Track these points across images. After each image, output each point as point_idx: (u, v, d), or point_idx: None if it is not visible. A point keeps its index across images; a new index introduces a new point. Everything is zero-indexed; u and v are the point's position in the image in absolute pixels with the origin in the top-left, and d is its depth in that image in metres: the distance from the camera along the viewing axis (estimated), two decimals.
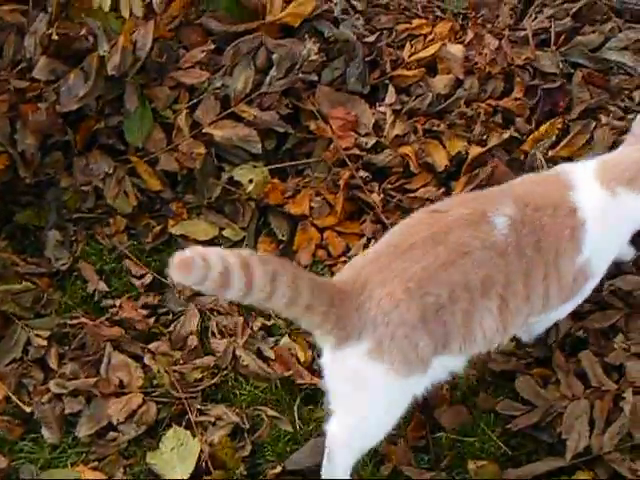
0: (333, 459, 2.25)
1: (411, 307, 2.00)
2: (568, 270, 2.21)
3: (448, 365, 2.24)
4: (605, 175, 2.35)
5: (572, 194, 2.30)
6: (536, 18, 3.30)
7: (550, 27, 3.24)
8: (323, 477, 2.29)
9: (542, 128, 3.01)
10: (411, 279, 2.01)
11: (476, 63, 3.14)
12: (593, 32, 3.27)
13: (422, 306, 2.00)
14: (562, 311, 2.44)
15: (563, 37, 3.23)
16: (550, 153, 2.93)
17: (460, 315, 2.05)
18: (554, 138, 2.97)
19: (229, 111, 2.96)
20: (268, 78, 2.97)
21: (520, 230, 2.19)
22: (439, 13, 3.36)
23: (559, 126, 3.00)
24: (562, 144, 2.95)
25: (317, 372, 2.60)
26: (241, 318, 2.69)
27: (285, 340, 2.69)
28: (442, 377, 2.28)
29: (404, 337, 2.04)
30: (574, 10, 3.32)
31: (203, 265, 1.90)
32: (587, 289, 2.40)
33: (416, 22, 3.29)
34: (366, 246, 2.81)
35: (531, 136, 2.99)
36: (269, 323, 2.71)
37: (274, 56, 2.98)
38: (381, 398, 2.14)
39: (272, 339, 2.70)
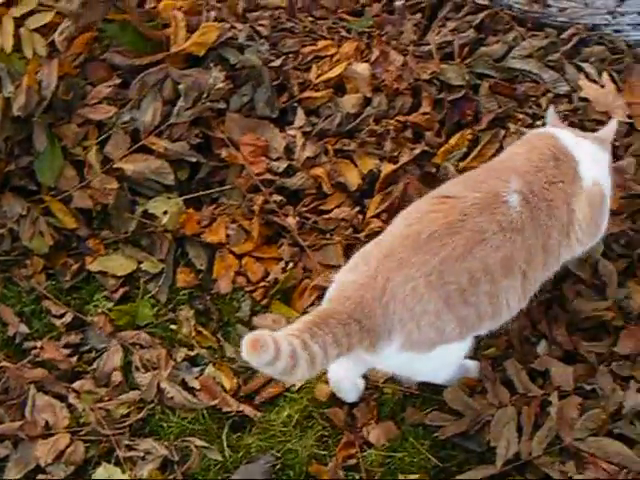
0: None
1: (432, 296, 2.08)
2: (584, 213, 2.32)
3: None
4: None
5: (561, 148, 2.44)
6: (440, 32, 3.36)
7: (454, 40, 3.32)
8: None
9: (452, 140, 3.08)
10: (432, 272, 2.08)
11: (383, 80, 3.19)
12: (497, 42, 3.35)
13: (444, 293, 2.09)
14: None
15: (467, 49, 3.30)
16: (461, 164, 3.00)
17: (484, 297, 2.14)
18: (465, 149, 3.05)
19: (139, 144, 2.98)
20: (176, 109, 2.98)
21: (532, 202, 2.27)
22: (344, 33, 3.40)
23: (469, 137, 3.07)
24: (473, 154, 3.02)
25: (243, 399, 2.63)
26: (164, 350, 2.70)
27: (210, 369, 2.71)
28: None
29: (430, 325, 2.14)
30: (476, 22, 3.40)
31: (274, 347, 1.99)
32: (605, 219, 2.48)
33: (322, 43, 3.33)
34: (284, 270, 2.83)
35: (442, 149, 3.06)
36: (192, 353, 2.73)
37: (180, 86, 3.00)
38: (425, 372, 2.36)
39: (196, 369, 2.73)
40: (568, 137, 2.48)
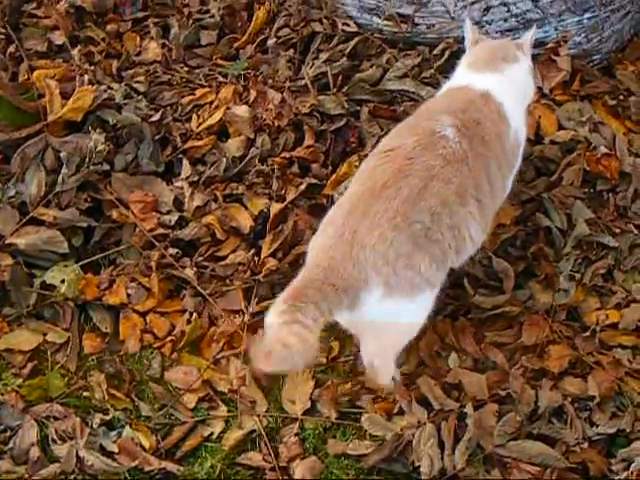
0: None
1: (402, 239, 2.23)
2: (509, 146, 2.55)
3: None
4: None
5: (479, 87, 2.64)
6: (313, 65, 3.46)
7: (328, 70, 3.44)
8: None
9: (340, 170, 3.19)
10: (395, 215, 2.24)
11: (264, 120, 3.29)
12: (371, 67, 3.48)
13: (411, 234, 2.24)
14: None
15: (342, 77, 3.42)
16: None
17: (448, 231, 2.30)
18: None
19: (28, 217, 3.03)
20: (60, 177, 3.03)
21: (466, 134, 2.47)
22: (221, 79, 3.49)
23: (356, 164, 3.16)
24: None
25: (164, 455, 2.70)
26: (78, 419, 2.73)
27: (127, 430, 2.76)
28: None
29: (405, 267, 2.25)
30: (348, 49, 3.52)
31: (283, 349, 2.13)
32: (519, 156, 2.68)
33: (200, 92, 3.43)
34: (189, 321, 2.90)
35: (331, 179, 3.17)
36: (108, 417, 2.77)
37: (62, 154, 3.05)
38: (407, 324, 2.44)
39: (114, 432, 2.77)
40: (484, 83, 2.63)
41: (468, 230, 2.38)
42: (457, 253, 2.37)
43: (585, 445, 2.60)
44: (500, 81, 2.68)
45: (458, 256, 2.38)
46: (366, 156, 3.05)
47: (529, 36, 2.79)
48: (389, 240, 2.22)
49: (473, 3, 3.41)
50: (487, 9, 3.43)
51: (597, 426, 2.65)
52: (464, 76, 2.76)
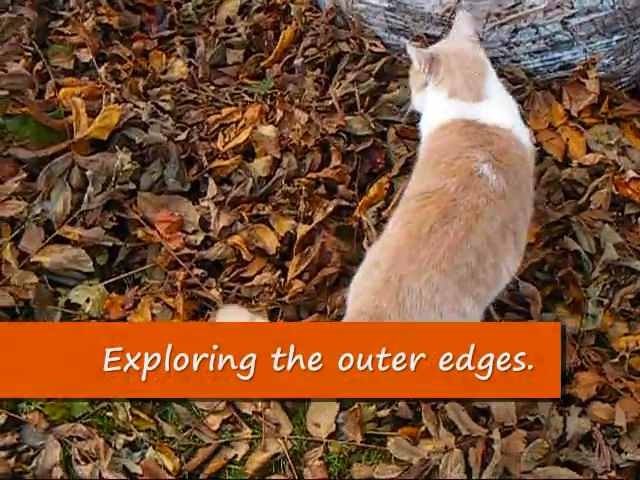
0: None
1: (449, 283, 2.29)
2: (530, 164, 2.60)
3: None
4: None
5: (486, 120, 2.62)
6: (340, 85, 3.48)
7: (355, 91, 3.46)
8: None
9: (371, 191, 3.20)
10: (442, 260, 2.29)
11: (290, 140, 3.30)
12: (398, 88, 3.49)
13: (457, 277, 2.30)
14: None
15: (369, 98, 3.44)
16: (384, 213, 3.10)
17: (491, 269, 2.35)
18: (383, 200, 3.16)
19: (54, 235, 3.05)
20: (86, 196, 3.05)
21: (500, 167, 2.50)
22: (247, 98, 3.51)
23: (386, 186, 3.20)
24: (393, 203, 3.10)
25: (187, 477, 2.73)
26: (101, 440, 2.74)
27: (150, 452, 2.76)
28: None
29: (451, 311, 2.31)
30: (376, 70, 3.54)
31: None
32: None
33: (226, 111, 3.44)
34: None
35: (362, 201, 3.19)
36: (131, 438, 2.78)
37: (88, 173, 3.07)
38: None
39: (137, 454, 2.78)
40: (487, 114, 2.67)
41: (506, 264, 2.43)
42: (496, 288, 2.43)
43: (613, 473, 2.60)
44: (494, 106, 2.69)
45: (497, 290, 2.45)
46: (395, 177, 3.19)
47: (463, 20, 2.80)
48: (436, 286, 2.28)
49: (502, 25, 3.39)
50: (515, 31, 3.44)
51: (625, 453, 2.65)
52: (454, 108, 2.72)
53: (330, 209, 3.12)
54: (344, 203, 3.19)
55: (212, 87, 3.62)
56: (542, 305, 2.92)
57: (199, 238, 3.11)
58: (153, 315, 2.99)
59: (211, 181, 3.24)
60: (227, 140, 3.34)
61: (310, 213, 3.14)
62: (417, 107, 2.90)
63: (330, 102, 3.44)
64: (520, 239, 2.46)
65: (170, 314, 3.00)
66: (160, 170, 3.25)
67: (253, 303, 2.98)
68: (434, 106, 2.78)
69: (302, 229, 3.07)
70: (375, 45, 3.61)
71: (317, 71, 3.57)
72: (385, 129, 3.39)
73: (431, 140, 2.72)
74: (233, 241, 3.10)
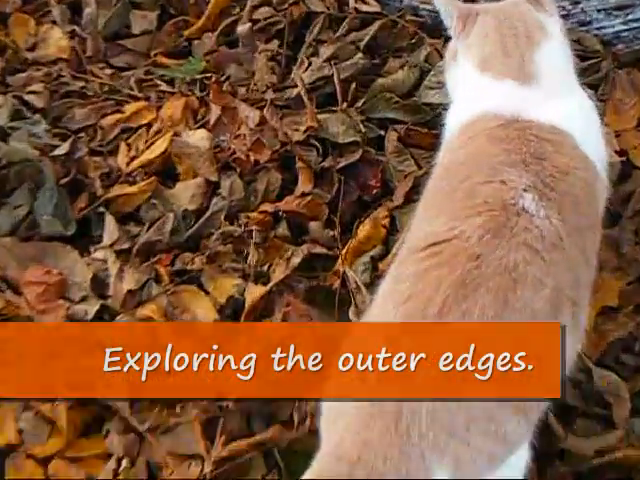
0: None
1: None
2: (600, 194, 2.49)
3: None
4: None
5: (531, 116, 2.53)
6: (310, 64, 3.51)
7: (333, 74, 3.47)
8: None
9: (360, 232, 3.19)
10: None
11: (233, 152, 3.33)
12: (400, 68, 3.53)
13: None
14: None
15: (356, 85, 3.47)
16: (381, 266, 3.07)
17: None
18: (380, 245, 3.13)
19: None
20: None
21: (551, 197, 2.35)
22: (164, 87, 3.55)
23: (385, 222, 3.19)
24: (395, 250, 3.07)
25: None
26: None
27: None
28: None
29: (484, 435, 2.20)
30: (366, 40, 3.59)
31: None
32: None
33: (131, 107, 3.47)
34: (116, 472, 2.92)
35: (347, 247, 3.16)
36: None
37: None
38: None
39: None
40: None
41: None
42: None
43: None
44: (550, 94, 2.61)
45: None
46: (399, 209, 3.15)
47: None
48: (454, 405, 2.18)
49: None
50: None
51: None
52: (486, 92, 2.68)
53: (297, 260, 3.10)
54: (319, 250, 3.18)
55: (108, 70, 3.65)
56: (631, 404, 2.90)
57: (91, 309, 3.09)
58: (20, 431, 2.98)
59: (109, 219, 3.24)
60: (134, 154, 3.36)
61: (265, 267, 3.13)
62: (449, 89, 2.87)
63: (295, 92, 3.47)
64: (582, 309, 2.32)
65: (47, 430, 2.98)
66: (28, 202, 3.26)
67: (178, 410, 2.95)
68: (460, 88, 2.76)
69: (253, 292, 3.06)
70: (364, 1, 3.66)
71: (273, 43, 3.61)
72: (382, 133, 3.42)
73: (451, 147, 2.66)
74: (145, 313, 3.08)
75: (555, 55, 2.68)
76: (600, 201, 2.52)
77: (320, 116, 3.37)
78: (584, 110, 2.66)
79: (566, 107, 2.58)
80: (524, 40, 2.63)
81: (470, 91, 2.67)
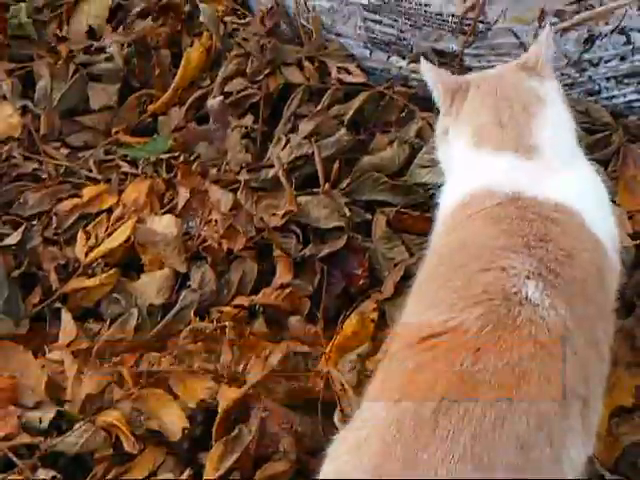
0: None
1: None
2: (611, 279, 2.53)
3: None
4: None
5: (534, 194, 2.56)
6: (288, 141, 3.57)
7: (311, 151, 3.55)
8: None
9: (346, 327, 3.22)
10: (460, 466, 2.07)
11: (204, 240, 3.37)
12: (389, 144, 3.61)
13: None
14: None
15: (339, 163, 3.54)
16: (369, 365, 3.09)
17: (548, 463, 2.19)
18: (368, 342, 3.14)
19: None
20: None
21: (556, 285, 2.37)
22: (127, 168, 3.59)
23: (373, 316, 3.22)
24: (385, 347, 3.09)
25: None
26: None
27: None
28: None
29: None
30: (350, 114, 3.67)
31: None
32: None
33: (89, 191, 3.51)
34: None
35: (331, 344, 3.18)
36: None
37: None
38: None
39: None
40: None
41: (568, 451, 2.32)
42: None
43: None
44: (552, 169, 2.65)
45: None
46: (389, 301, 3.22)
47: (543, 41, 2.77)
48: None
49: (566, 30, 3.56)
50: (590, 40, 3.58)
51: None
52: (482, 167, 2.71)
53: (275, 360, 3.12)
54: (300, 348, 3.19)
55: (64, 150, 3.69)
56: None
57: (47, 415, 3.12)
58: None
59: (66, 315, 3.28)
60: (93, 243, 3.39)
61: (240, 367, 3.15)
62: (442, 167, 2.88)
63: (271, 172, 3.51)
64: (593, 409, 2.32)
65: None
66: None
67: None
68: (454, 164, 2.79)
69: (227, 396, 3.07)
70: (347, 71, 3.71)
71: (247, 119, 3.65)
72: (369, 217, 3.46)
73: (445, 230, 2.68)
74: (106, 420, 3.09)
75: (555, 123, 2.73)
76: (612, 286, 2.56)
77: (300, 199, 3.41)
78: (591, 184, 2.70)
79: (571, 181, 2.62)
80: (520, 111, 2.69)
81: (464, 167, 2.72)
